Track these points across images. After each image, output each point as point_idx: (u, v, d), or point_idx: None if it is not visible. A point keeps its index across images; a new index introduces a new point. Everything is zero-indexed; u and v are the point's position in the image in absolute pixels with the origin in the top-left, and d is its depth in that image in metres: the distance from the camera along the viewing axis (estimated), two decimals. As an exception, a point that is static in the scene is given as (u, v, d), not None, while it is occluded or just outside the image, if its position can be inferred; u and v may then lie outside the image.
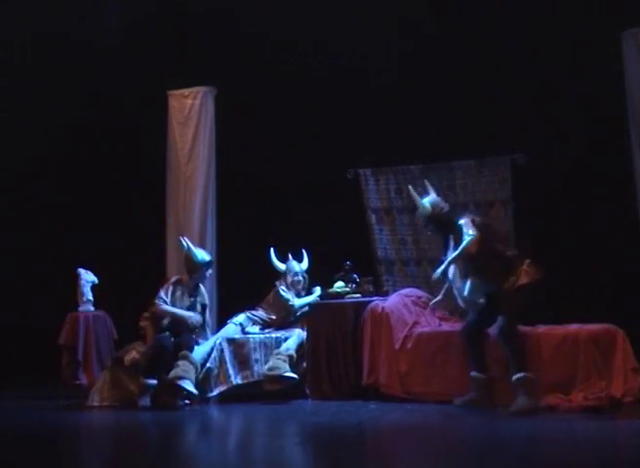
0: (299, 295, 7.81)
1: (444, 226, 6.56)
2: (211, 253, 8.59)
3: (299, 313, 7.74)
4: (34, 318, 8.89)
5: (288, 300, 7.69)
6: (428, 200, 6.62)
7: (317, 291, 7.84)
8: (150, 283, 8.03)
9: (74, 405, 7.25)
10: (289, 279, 7.81)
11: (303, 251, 7.93)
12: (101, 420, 6.71)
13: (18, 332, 8.94)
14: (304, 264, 7.92)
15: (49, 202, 9.32)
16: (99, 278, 8.40)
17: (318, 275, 7.86)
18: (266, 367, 7.16)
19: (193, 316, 7.32)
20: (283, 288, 7.76)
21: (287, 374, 7.05)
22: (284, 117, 8.69)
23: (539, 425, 5.63)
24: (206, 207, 8.86)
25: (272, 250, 7.88)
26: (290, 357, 7.19)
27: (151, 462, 5.02)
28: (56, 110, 9.22)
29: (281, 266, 7.87)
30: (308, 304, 7.72)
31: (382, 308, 7.05)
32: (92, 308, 8.28)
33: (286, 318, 7.76)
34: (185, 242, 7.62)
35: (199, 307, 7.44)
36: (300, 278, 7.84)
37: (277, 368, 7.09)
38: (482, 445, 5.18)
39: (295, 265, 7.87)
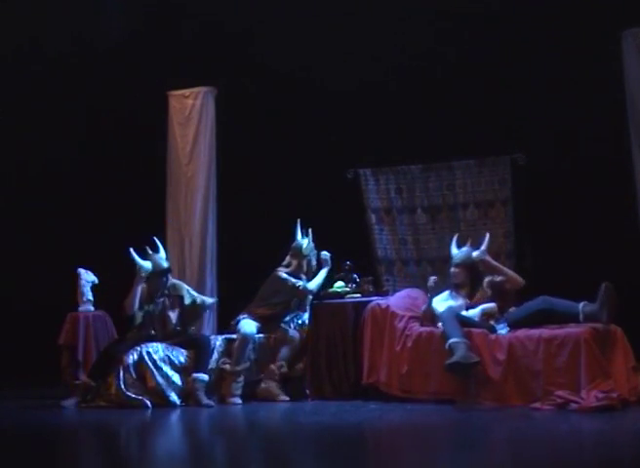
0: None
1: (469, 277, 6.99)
2: (211, 254, 8.62)
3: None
4: (34, 317, 8.89)
5: (299, 285, 7.48)
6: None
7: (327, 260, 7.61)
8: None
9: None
10: (311, 260, 7.59)
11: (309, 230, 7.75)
12: (101, 420, 6.70)
13: (18, 332, 8.94)
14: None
15: (49, 202, 9.31)
16: (99, 278, 8.39)
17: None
18: (259, 387, 7.19)
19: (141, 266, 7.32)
20: (284, 275, 7.52)
21: (280, 398, 7.12)
22: (284, 117, 8.69)
23: (539, 425, 5.63)
24: (207, 207, 8.87)
25: (299, 222, 7.65)
26: (282, 374, 7.22)
27: (152, 462, 5.02)
28: (55, 111, 9.22)
29: (306, 248, 7.60)
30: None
31: (383, 306, 7.05)
32: (92, 308, 8.27)
33: (302, 303, 7.57)
34: (132, 253, 7.50)
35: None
36: (315, 262, 7.69)
37: (271, 393, 7.14)
38: (482, 444, 5.18)
39: (312, 247, 7.65)
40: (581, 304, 6.41)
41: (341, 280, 7.70)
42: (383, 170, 8.32)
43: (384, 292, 7.74)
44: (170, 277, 7.58)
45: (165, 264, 7.52)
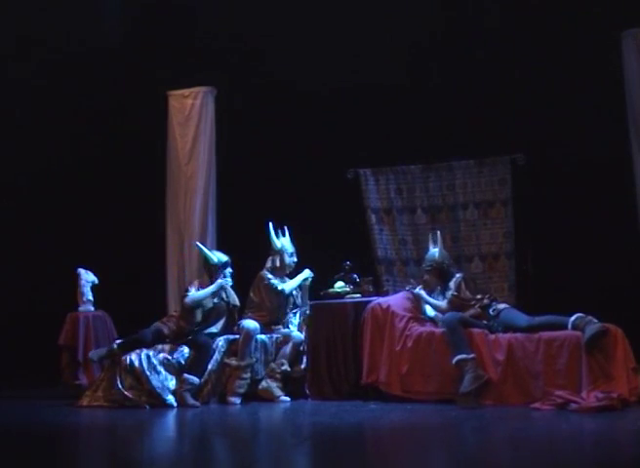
0: (288, 277, 7.64)
1: (440, 277, 7.06)
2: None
3: (291, 298, 7.59)
4: (34, 318, 8.89)
5: (276, 287, 7.46)
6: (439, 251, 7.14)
7: (306, 272, 7.65)
8: (150, 283, 8.05)
9: (74, 405, 7.23)
10: (286, 258, 7.59)
11: (285, 227, 7.74)
12: (101, 420, 6.71)
13: (18, 332, 8.94)
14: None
15: (49, 202, 9.31)
16: (99, 278, 8.40)
17: (318, 275, 7.83)
18: (260, 386, 7.18)
19: (217, 283, 7.44)
20: (269, 275, 7.52)
21: (280, 399, 7.13)
22: (284, 117, 8.69)
23: (538, 424, 5.63)
24: (206, 207, 8.87)
25: (271, 224, 7.66)
26: (283, 373, 7.22)
27: (152, 462, 5.02)
28: (55, 111, 9.22)
29: (278, 244, 7.63)
30: (300, 287, 7.61)
31: (383, 306, 7.05)
32: (92, 308, 8.29)
33: (280, 308, 7.53)
34: (200, 246, 7.77)
35: (224, 307, 7.54)
36: (295, 259, 7.66)
37: (271, 393, 7.14)
38: (482, 444, 5.18)
39: (289, 244, 7.68)
40: (570, 323, 6.37)
41: (341, 280, 7.71)
42: (383, 170, 8.33)
43: (384, 292, 7.75)
44: (230, 270, 7.70)
45: (225, 257, 7.69)
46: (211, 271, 7.61)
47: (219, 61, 8.86)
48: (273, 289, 7.48)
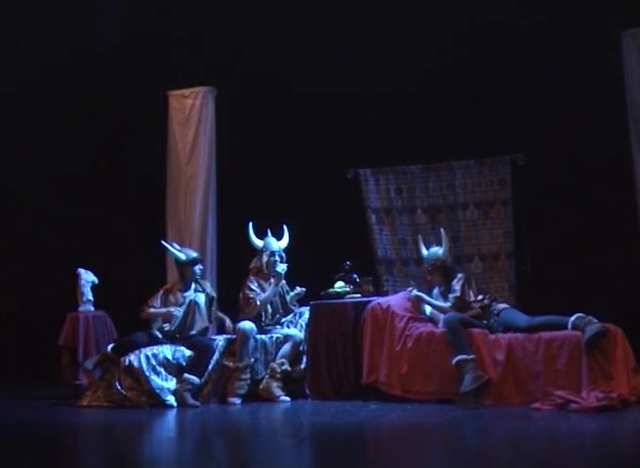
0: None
1: (444, 275, 7.05)
2: (211, 254, 8.61)
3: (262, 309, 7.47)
4: (34, 318, 8.89)
5: (251, 299, 7.39)
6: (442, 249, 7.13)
7: (282, 268, 7.49)
8: (150, 283, 8.03)
9: (73, 405, 7.24)
10: (264, 258, 7.53)
11: (284, 226, 7.71)
12: (101, 420, 6.70)
13: (18, 332, 8.95)
14: (283, 242, 7.66)
15: (49, 202, 9.32)
16: (99, 278, 8.40)
17: (318, 275, 7.83)
18: (261, 386, 7.17)
19: (173, 310, 7.36)
20: (252, 285, 7.47)
21: (280, 399, 7.12)
22: (284, 117, 8.69)
23: (538, 424, 5.63)
24: (206, 207, 8.87)
25: (251, 224, 7.64)
26: (284, 373, 7.21)
27: (152, 462, 5.02)
28: (55, 111, 9.22)
29: (258, 243, 7.61)
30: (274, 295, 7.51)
31: (383, 306, 7.05)
32: (92, 308, 8.28)
33: (254, 314, 7.44)
34: (166, 245, 7.73)
35: (204, 301, 7.50)
36: (277, 258, 7.53)
37: (271, 393, 7.13)
38: (482, 444, 5.19)
39: (273, 243, 7.59)
40: (570, 324, 6.38)
41: (341, 280, 7.70)
42: (383, 170, 8.32)
43: (384, 292, 7.74)
44: (201, 266, 7.66)
45: (194, 254, 7.66)
46: (181, 270, 7.58)
47: (219, 61, 8.86)
48: (250, 300, 7.41)
